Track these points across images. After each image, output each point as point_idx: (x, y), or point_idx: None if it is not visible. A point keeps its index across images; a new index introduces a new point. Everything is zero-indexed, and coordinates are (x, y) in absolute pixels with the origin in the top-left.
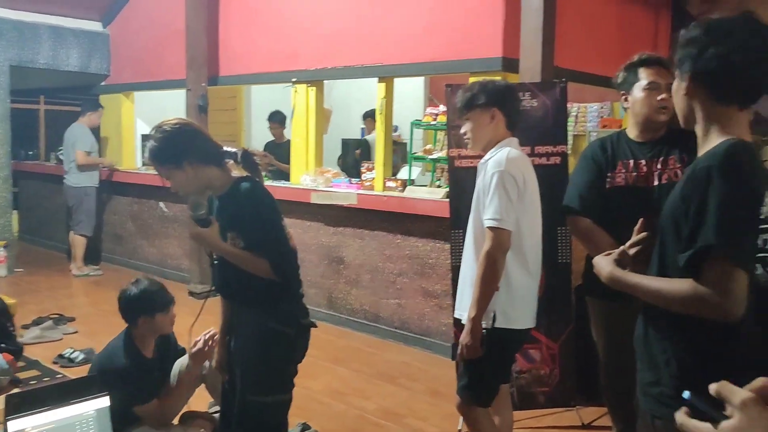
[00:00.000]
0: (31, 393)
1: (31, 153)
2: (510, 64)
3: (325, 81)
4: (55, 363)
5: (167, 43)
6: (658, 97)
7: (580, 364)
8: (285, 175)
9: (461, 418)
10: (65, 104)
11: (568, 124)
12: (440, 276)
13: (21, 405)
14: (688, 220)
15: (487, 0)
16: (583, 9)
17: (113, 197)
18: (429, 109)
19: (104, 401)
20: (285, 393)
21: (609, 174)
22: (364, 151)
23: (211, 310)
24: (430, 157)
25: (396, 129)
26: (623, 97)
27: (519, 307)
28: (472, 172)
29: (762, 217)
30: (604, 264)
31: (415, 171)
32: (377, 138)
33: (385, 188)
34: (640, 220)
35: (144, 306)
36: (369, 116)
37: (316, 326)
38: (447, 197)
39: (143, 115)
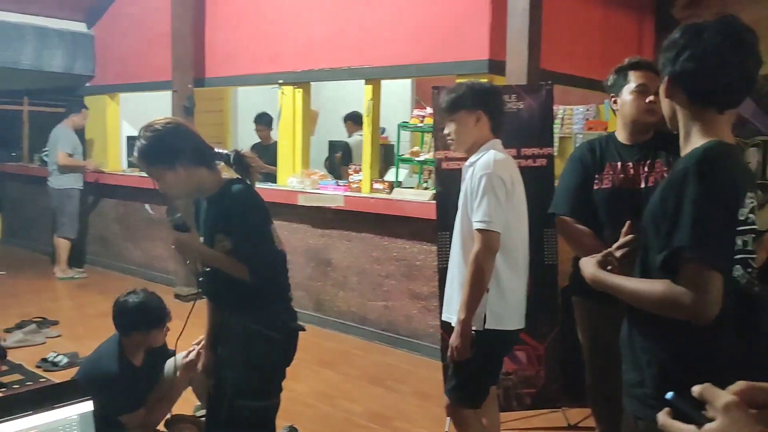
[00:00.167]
0: (13, 397)
1: (14, 154)
2: (496, 66)
3: (312, 83)
4: (38, 367)
5: (153, 44)
6: (647, 100)
7: (566, 365)
8: (272, 177)
9: (448, 420)
10: (49, 105)
11: (554, 126)
12: (427, 278)
13: (2, 409)
14: (666, 222)
15: (474, 3)
16: (569, 12)
17: (98, 199)
18: (416, 111)
19: (87, 406)
20: (273, 397)
21: (597, 176)
22: (345, 153)
23: (197, 313)
24: (417, 159)
25: (383, 131)
26: (613, 99)
27: (509, 307)
28: (459, 174)
29: (741, 218)
30: (588, 265)
31: (402, 173)
32: (364, 140)
33: (372, 190)
34: (627, 223)
35: (140, 321)
36: (349, 119)
37: (304, 330)
38: (434, 199)
39: (129, 116)
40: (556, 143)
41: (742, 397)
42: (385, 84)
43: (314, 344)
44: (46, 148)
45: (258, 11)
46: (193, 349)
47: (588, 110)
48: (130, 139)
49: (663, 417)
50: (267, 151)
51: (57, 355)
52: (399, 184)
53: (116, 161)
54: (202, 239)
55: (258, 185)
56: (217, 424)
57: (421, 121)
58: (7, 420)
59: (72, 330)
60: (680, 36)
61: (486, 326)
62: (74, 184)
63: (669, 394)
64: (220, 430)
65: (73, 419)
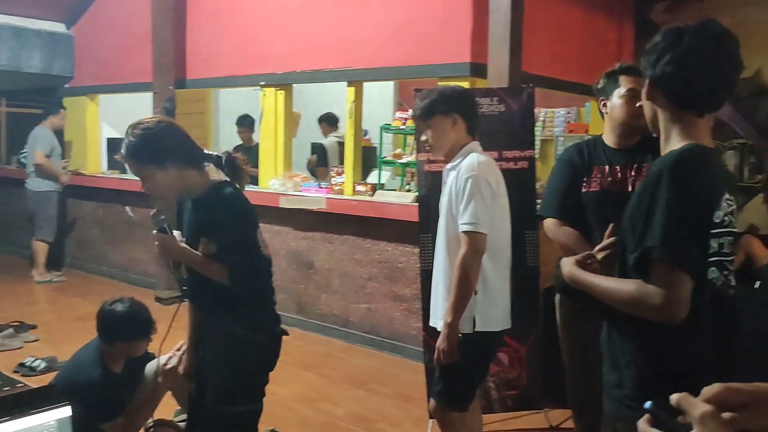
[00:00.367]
0: None
1: None
2: (478, 69)
3: (294, 85)
4: (15, 372)
5: (133, 45)
6: (636, 104)
7: (547, 366)
8: (253, 180)
9: (430, 422)
10: (27, 107)
11: (536, 129)
12: (410, 280)
13: None
14: (640, 223)
15: (456, 6)
16: (550, 16)
17: (77, 202)
18: (398, 114)
19: (66, 411)
20: (256, 402)
21: (585, 179)
22: (320, 154)
23: (179, 317)
24: (400, 161)
25: (366, 133)
26: (602, 102)
27: (497, 308)
28: (442, 176)
29: (717, 221)
30: (566, 264)
31: (385, 175)
32: (347, 142)
33: (354, 192)
34: (610, 225)
35: (126, 331)
36: (324, 120)
37: (287, 334)
38: (416, 201)
39: (108, 118)
40: (537, 146)
41: (718, 400)
42: (368, 86)
43: (296, 347)
44: (24, 150)
45: (240, 13)
46: (174, 355)
47: (569, 113)
48: (110, 141)
49: (643, 425)
50: (249, 153)
51: (35, 360)
52: (381, 186)
53: (96, 163)
54: (184, 240)
55: None
56: (200, 429)
57: (404, 124)
58: None
59: (50, 334)
60: (661, 39)
61: (476, 328)
62: (52, 187)
63: (647, 403)
64: None
65: (51, 425)
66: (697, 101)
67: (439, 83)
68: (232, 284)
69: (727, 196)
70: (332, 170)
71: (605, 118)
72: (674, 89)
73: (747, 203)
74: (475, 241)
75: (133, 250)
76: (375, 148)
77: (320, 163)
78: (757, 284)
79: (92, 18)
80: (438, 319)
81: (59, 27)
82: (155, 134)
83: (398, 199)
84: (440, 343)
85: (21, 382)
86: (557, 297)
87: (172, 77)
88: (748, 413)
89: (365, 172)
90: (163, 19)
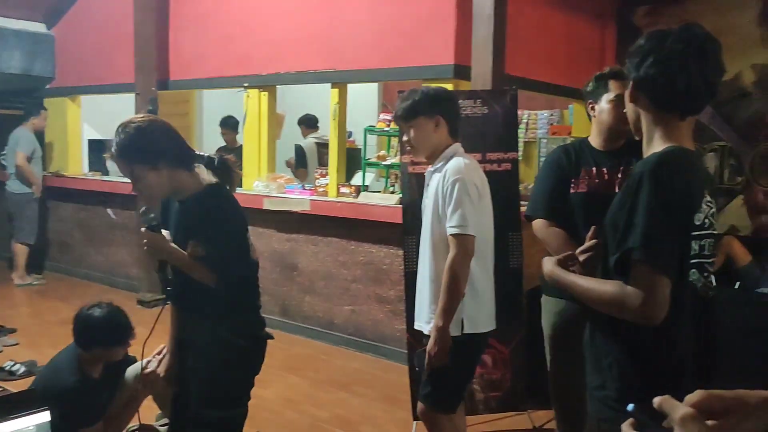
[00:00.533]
0: None
1: None
2: (462, 71)
3: (278, 86)
4: None
5: (115, 45)
6: (624, 109)
7: (531, 368)
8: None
9: (414, 424)
10: (7, 108)
11: (519, 131)
12: (394, 282)
13: None
14: (621, 224)
15: (440, 8)
16: (533, 19)
17: (58, 204)
18: (382, 116)
19: (45, 416)
20: (241, 406)
21: (573, 180)
22: (299, 156)
23: (161, 319)
24: (384, 163)
25: (350, 135)
26: (590, 105)
27: (484, 310)
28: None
29: (698, 223)
30: (548, 263)
31: (369, 177)
32: (330, 144)
33: (338, 194)
34: (592, 228)
35: (103, 338)
36: (302, 122)
37: (272, 338)
38: (400, 203)
39: (90, 119)
40: (520, 148)
41: (700, 407)
42: (353, 88)
43: (280, 350)
44: (4, 152)
45: (223, 13)
46: (154, 358)
47: (552, 115)
48: (92, 143)
49: (626, 428)
50: (233, 154)
51: (14, 364)
52: (366, 188)
53: (77, 165)
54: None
55: None
56: None
57: (388, 125)
58: None
59: (30, 338)
60: (645, 42)
61: (464, 331)
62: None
63: (630, 406)
64: None
65: (30, 430)
66: (679, 104)
67: (423, 85)
68: (219, 287)
69: (707, 198)
70: (316, 172)
71: (593, 121)
72: (657, 91)
73: (727, 205)
74: (465, 244)
75: (115, 253)
76: (359, 149)
77: (299, 164)
78: (737, 285)
79: (73, 18)
80: (423, 323)
81: (40, 27)
82: (147, 133)
83: (382, 200)
84: (431, 347)
85: (0, 387)
86: (543, 297)
87: (154, 78)
88: (729, 420)
89: (349, 174)
90: (146, 20)
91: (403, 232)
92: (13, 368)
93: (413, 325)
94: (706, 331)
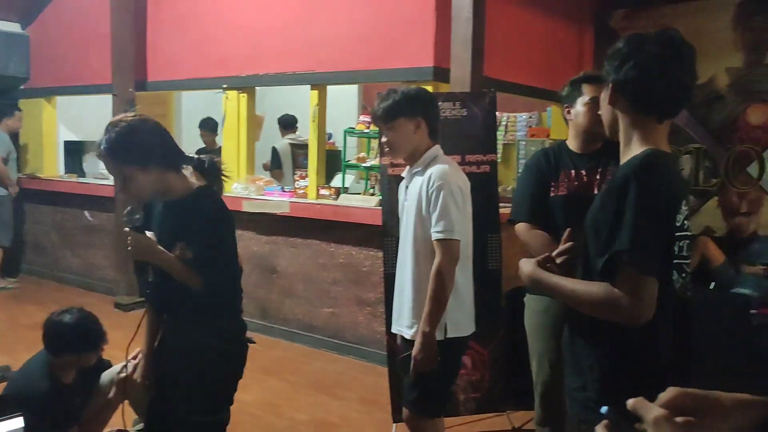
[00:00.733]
0: None
1: None
2: (441, 73)
3: (257, 87)
4: None
5: (92, 46)
6: (599, 112)
7: (510, 369)
8: None
9: (394, 426)
10: None
11: (498, 133)
12: (374, 284)
13: None
14: (607, 227)
15: (419, 10)
16: (512, 22)
17: (34, 206)
18: (362, 117)
19: (18, 422)
20: (224, 411)
21: (552, 183)
22: (273, 157)
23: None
24: (364, 165)
25: (330, 136)
26: (566, 109)
27: (465, 313)
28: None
29: (678, 224)
30: (527, 264)
31: (349, 179)
32: (310, 145)
33: (318, 196)
34: (567, 230)
35: (73, 344)
36: (279, 123)
37: (254, 342)
38: (380, 205)
39: (66, 121)
40: (499, 150)
41: (674, 405)
42: (332, 89)
43: (259, 353)
44: None
45: (202, 14)
46: (130, 363)
47: (531, 117)
48: (68, 144)
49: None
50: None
51: None
52: (345, 190)
53: (52, 166)
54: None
55: None
56: None
57: (368, 127)
58: None
59: (4, 342)
60: (624, 45)
61: (448, 335)
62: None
63: (603, 409)
64: None
65: None
66: (657, 107)
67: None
68: (206, 291)
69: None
70: (296, 174)
71: (569, 124)
72: (637, 94)
73: (703, 206)
74: (451, 249)
75: (92, 256)
76: (339, 151)
77: (274, 165)
78: (713, 285)
79: (49, 18)
80: (404, 327)
81: (14, 27)
82: (139, 132)
83: (362, 202)
84: (417, 352)
85: None
86: (527, 296)
87: (132, 79)
88: (702, 419)
89: (329, 176)
90: (123, 20)
91: (382, 234)
92: None
93: (392, 329)
94: (683, 331)
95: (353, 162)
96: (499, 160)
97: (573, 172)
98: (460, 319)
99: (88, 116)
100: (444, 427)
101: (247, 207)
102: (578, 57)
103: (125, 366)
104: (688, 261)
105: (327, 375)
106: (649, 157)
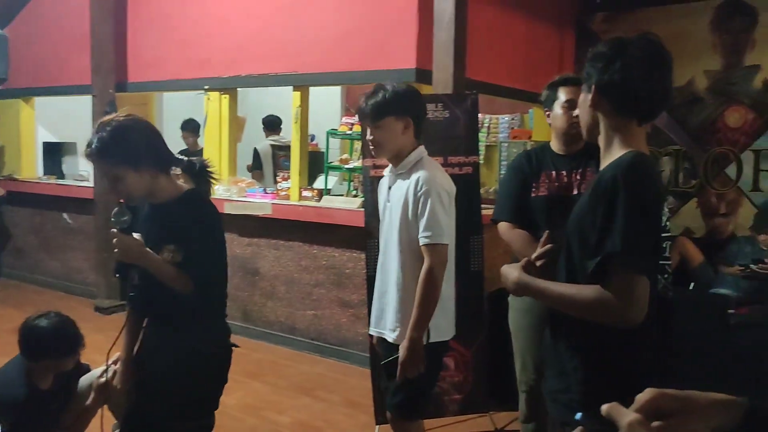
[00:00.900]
0: None
1: None
2: (423, 75)
3: (239, 89)
4: None
5: (71, 46)
6: (574, 113)
7: (493, 370)
8: None
9: (377, 428)
10: None
11: (481, 134)
12: (357, 286)
13: None
14: (595, 229)
15: (402, 13)
16: (494, 24)
17: (12, 209)
18: (345, 119)
19: None
20: (209, 416)
21: (534, 184)
22: (254, 158)
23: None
24: (347, 166)
25: (312, 138)
26: (546, 113)
27: (447, 318)
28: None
29: (662, 225)
30: (512, 271)
31: (332, 180)
32: (293, 147)
33: (301, 198)
34: (545, 233)
35: (50, 349)
36: (263, 124)
37: (238, 346)
38: (363, 207)
39: (45, 122)
40: (481, 152)
41: (651, 406)
42: (315, 91)
43: (241, 355)
44: None
45: (183, 15)
46: (109, 368)
47: (513, 119)
48: (46, 145)
49: None
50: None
51: None
52: (328, 191)
53: (31, 168)
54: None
55: None
56: None
57: (350, 129)
58: None
59: None
60: (608, 49)
61: (431, 340)
62: None
63: (578, 415)
64: None
65: None
66: (640, 110)
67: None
68: (196, 295)
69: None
70: (278, 175)
71: (551, 127)
72: (621, 97)
73: (682, 207)
74: (440, 254)
75: (71, 258)
76: (322, 153)
77: (255, 166)
78: (692, 286)
79: (27, 17)
80: (388, 330)
81: None
82: (132, 132)
83: (345, 204)
84: (404, 358)
85: None
86: (510, 296)
87: (112, 80)
88: (678, 420)
89: (312, 178)
90: (103, 20)
91: (365, 236)
92: None
93: (371, 330)
94: (664, 331)
95: (336, 163)
96: (481, 162)
97: (554, 173)
98: (443, 323)
99: (67, 117)
100: (424, 428)
101: (229, 209)
102: (559, 59)
103: (106, 370)
104: (669, 262)
105: (309, 377)
106: (636, 159)
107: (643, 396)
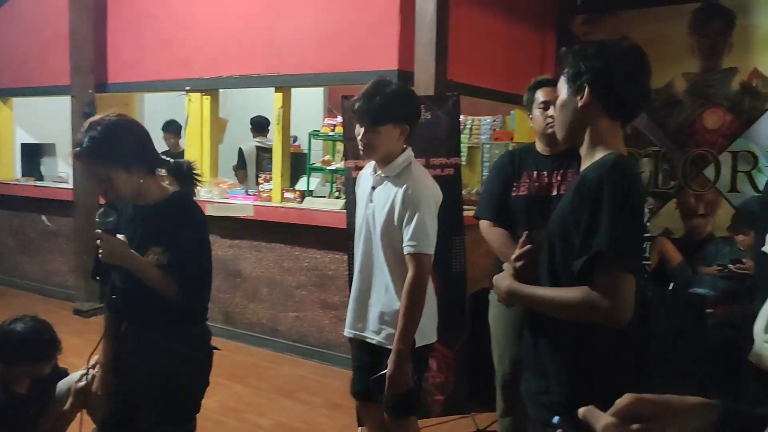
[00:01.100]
0: None
1: None
2: (405, 77)
3: (221, 90)
4: None
5: (50, 46)
6: (549, 113)
7: (475, 370)
8: None
9: (359, 430)
10: None
11: (463, 136)
12: (339, 287)
13: None
14: (580, 229)
15: (383, 13)
16: (475, 26)
17: None
18: (327, 120)
19: None
20: (191, 421)
21: (515, 183)
22: (239, 159)
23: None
24: (329, 168)
25: (295, 139)
26: (529, 115)
27: (432, 321)
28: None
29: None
30: (503, 279)
31: (314, 182)
32: (275, 148)
33: (283, 199)
34: (524, 234)
35: (25, 354)
36: (251, 125)
37: (219, 349)
38: (345, 208)
39: (23, 122)
40: (463, 153)
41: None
42: (298, 92)
43: (222, 357)
44: None
45: (164, 15)
46: (87, 372)
47: (495, 121)
48: (25, 147)
49: None
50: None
51: None
52: (310, 193)
53: (9, 170)
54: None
55: None
56: None
57: (333, 130)
58: None
59: None
60: (597, 51)
61: (417, 345)
62: None
63: (555, 419)
64: None
65: None
66: (627, 112)
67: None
68: (181, 298)
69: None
70: (260, 177)
71: (533, 128)
72: (613, 100)
73: (662, 208)
74: (425, 264)
75: (50, 261)
76: (304, 154)
77: (239, 166)
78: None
79: (5, 17)
80: (371, 332)
81: None
82: (123, 131)
83: (327, 206)
84: (392, 372)
85: None
86: (491, 294)
87: (92, 80)
88: (656, 424)
89: (294, 179)
90: (82, 19)
91: (347, 237)
92: None
93: (348, 332)
94: (644, 331)
95: (318, 165)
96: (463, 163)
97: (535, 173)
98: (428, 327)
99: (45, 118)
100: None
101: (210, 210)
102: (540, 61)
103: (85, 374)
104: (648, 262)
105: (291, 379)
106: (619, 160)
107: (621, 401)
